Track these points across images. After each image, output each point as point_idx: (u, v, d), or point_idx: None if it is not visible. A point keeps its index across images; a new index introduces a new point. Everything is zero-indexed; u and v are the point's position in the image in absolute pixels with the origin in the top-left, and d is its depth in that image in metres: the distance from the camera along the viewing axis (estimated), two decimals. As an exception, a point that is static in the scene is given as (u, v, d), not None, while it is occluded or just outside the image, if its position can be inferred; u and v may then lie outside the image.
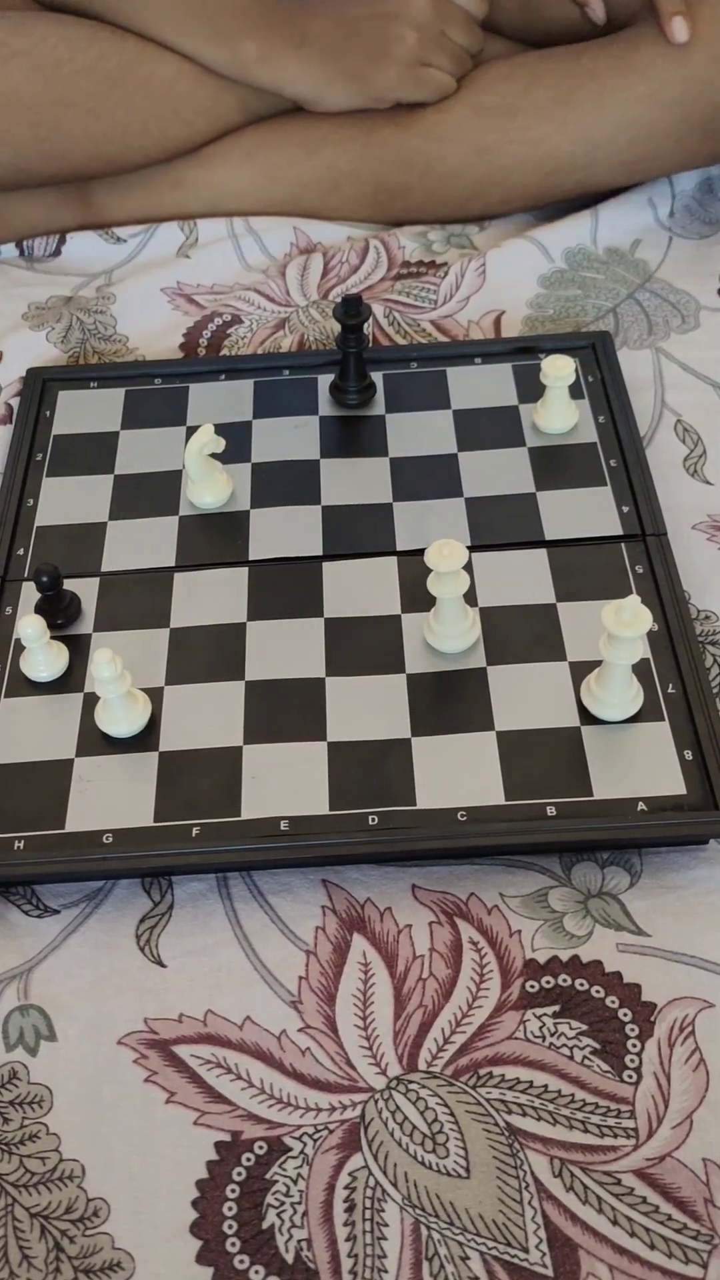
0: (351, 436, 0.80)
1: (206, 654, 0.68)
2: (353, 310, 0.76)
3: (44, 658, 0.67)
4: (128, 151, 0.93)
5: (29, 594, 0.71)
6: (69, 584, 0.71)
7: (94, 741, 0.65)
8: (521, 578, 0.71)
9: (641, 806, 0.61)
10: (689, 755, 0.62)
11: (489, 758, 0.63)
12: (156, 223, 0.99)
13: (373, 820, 0.61)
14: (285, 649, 0.68)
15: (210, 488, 0.76)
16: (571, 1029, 0.56)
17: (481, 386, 0.83)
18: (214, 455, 0.75)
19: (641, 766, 0.62)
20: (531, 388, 0.81)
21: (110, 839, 0.61)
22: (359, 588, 0.71)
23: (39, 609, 0.70)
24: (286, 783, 0.62)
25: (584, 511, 0.74)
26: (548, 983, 0.58)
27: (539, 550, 0.72)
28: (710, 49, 0.88)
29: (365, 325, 0.78)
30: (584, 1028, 0.56)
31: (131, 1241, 0.52)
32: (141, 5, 0.90)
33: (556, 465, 0.77)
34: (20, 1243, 0.52)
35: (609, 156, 0.92)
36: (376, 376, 0.83)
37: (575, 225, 0.96)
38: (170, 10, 0.90)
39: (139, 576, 0.73)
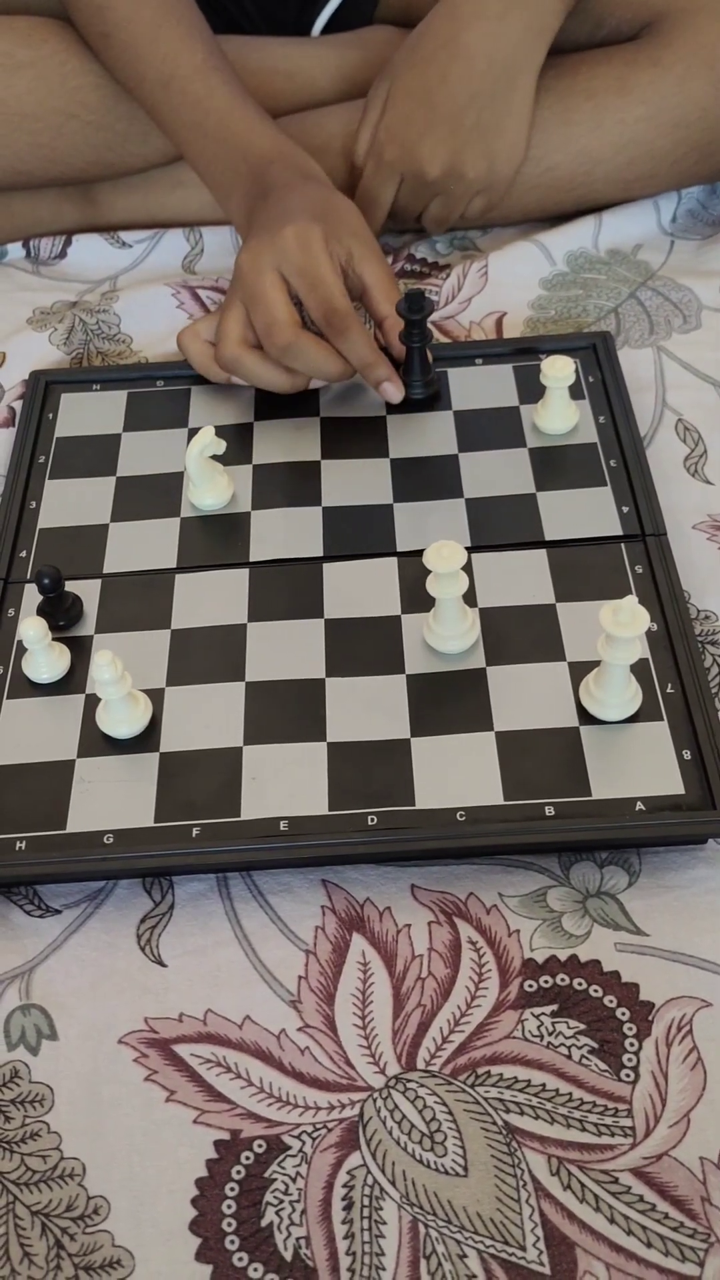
0: (352, 438, 0.80)
1: (207, 655, 0.69)
2: (415, 306, 0.76)
3: (45, 659, 0.67)
4: (128, 158, 0.94)
5: (31, 596, 0.72)
6: (71, 586, 0.72)
7: (95, 743, 0.65)
8: (521, 578, 0.71)
9: (640, 806, 0.61)
10: (687, 755, 0.62)
11: (488, 758, 0.63)
12: (160, 225, 1.00)
13: (372, 820, 0.61)
14: (285, 650, 0.68)
15: (211, 489, 0.76)
16: (569, 1028, 0.57)
17: (482, 387, 0.83)
18: (215, 457, 0.75)
19: (640, 766, 0.62)
20: (532, 388, 0.82)
21: (111, 839, 0.61)
22: (359, 588, 0.71)
23: (41, 611, 0.70)
24: (286, 783, 0.63)
25: (584, 512, 0.74)
26: (546, 982, 0.58)
27: (539, 550, 0.72)
28: (709, 74, 0.88)
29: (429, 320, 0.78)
30: (582, 1027, 0.57)
31: (131, 1239, 0.52)
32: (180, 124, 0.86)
33: (557, 466, 0.77)
34: (21, 1240, 0.52)
35: (608, 175, 0.93)
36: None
37: (578, 229, 0.96)
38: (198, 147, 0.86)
39: (140, 578, 0.73)
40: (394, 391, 0.79)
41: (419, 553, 0.68)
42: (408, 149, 0.87)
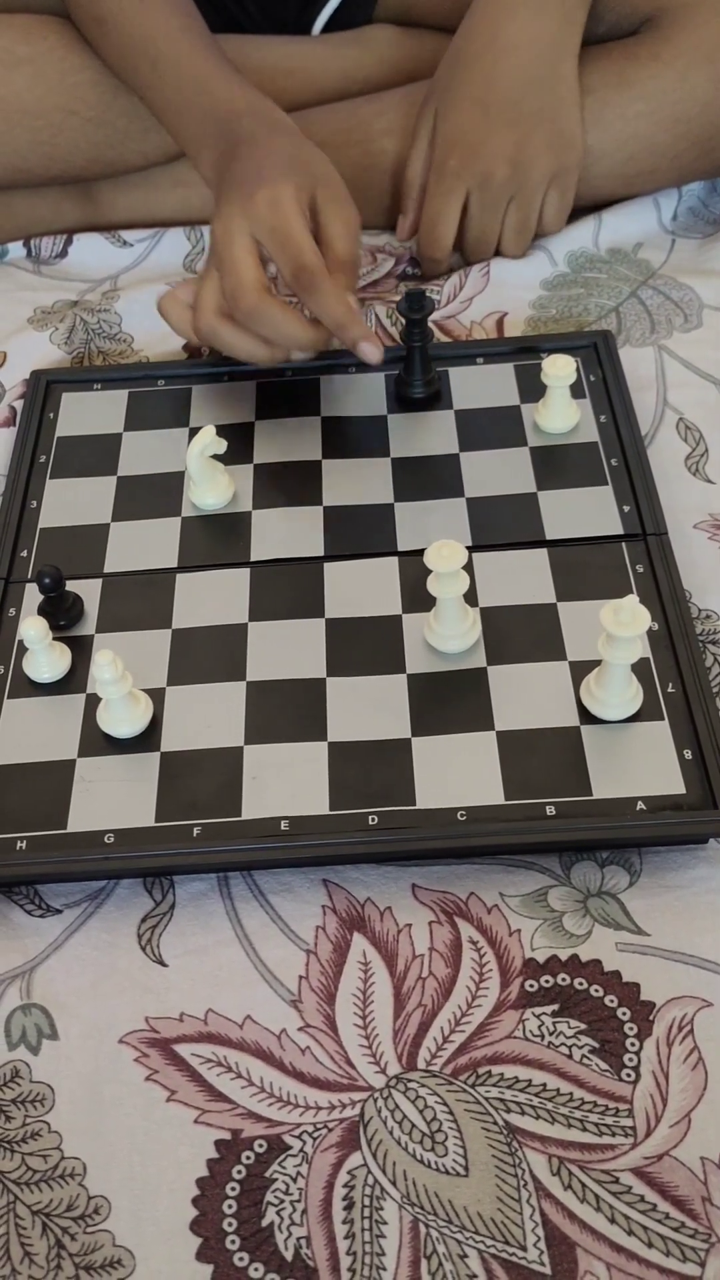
0: (353, 437, 0.80)
1: (208, 655, 0.69)
2: (416, 305, 0.76)
3: (46, 659, 0.67)
4: (128, 156, 0.94)
5: (32, 595, 0.72)
6: (71, 585, 0.72)
7: (96, 742, 0.65)
8: (522, 577, 0.71)
9: (641, 806, 0.61)
10: (688, 754, 0.62)
11: (489, 757, 0.63)
12: (161, 224, 0.99)
13: (373, 820, 0.61)
14: (286, 649, 0.68)
15: (212, 489, 0.76)
16: (570, 1028, 0.57)
17: (483, 386, 0.83)
18: (216, 456, 0.75)
19: (641, 766, 0.62)
20: (533, 387, 0.81)
21: (112, 839, 0.61)
22: (360, 588, 0.71)
23: (42, 610, 0.70)
24: (287, 783, 0.63)
25: (585, 511, 0.74)
26: (547, 982, 0.58)
27: (540, 550, 0.72)
28: (710, 69, 0.88)
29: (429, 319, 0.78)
30: (583, 1027, 0.57)
31: (132, 1239, 0.52)
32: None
33: (557, 465, 0.77)
34: (22, 1240, 0.52)
35: (608, 170, 0.92)
36: (378, 376, 0.83)
37: (579, 229, 0.96)
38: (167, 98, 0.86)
39: (141, 578, 0.73)
40: (372, 351, 0.73)
41: (420, 552, 0.68)
42: (470, 152, 0.86)
